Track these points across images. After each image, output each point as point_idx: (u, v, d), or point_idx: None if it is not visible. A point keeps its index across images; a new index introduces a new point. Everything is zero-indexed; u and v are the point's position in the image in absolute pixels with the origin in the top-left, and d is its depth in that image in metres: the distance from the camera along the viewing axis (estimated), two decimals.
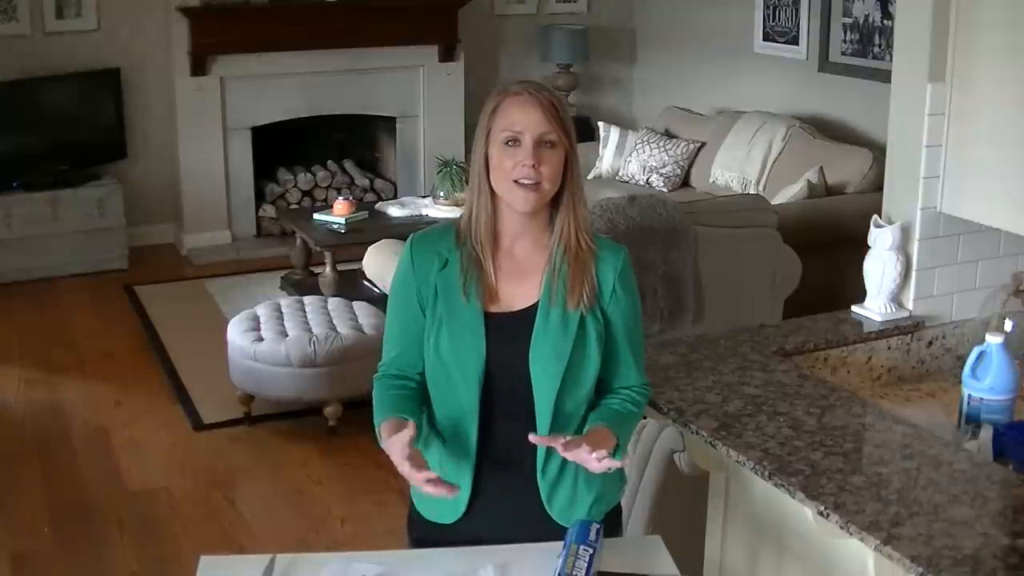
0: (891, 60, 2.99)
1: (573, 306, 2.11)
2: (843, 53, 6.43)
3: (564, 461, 2.14)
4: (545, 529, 2.15)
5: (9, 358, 5.52)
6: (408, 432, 2.01)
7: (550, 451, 2.14)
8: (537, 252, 2.15)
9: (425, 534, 2.25)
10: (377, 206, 6.36)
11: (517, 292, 2.14)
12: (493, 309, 2.13)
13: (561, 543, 2.05)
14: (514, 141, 2.07)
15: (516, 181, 2.06)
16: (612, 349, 2.18)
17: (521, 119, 2.07)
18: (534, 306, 2.13)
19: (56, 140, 6.72)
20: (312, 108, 7.36)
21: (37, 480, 4.38)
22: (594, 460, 1.99)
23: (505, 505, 2.15)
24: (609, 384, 2.21)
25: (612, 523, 2.28)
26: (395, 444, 2.02)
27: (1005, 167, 2.66)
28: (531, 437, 2.05)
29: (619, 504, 2.33)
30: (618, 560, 2.09)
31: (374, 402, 2.21)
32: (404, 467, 2.00)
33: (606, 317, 2.16)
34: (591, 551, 2.00)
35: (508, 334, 2.12)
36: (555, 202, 2.12)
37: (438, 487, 2.01)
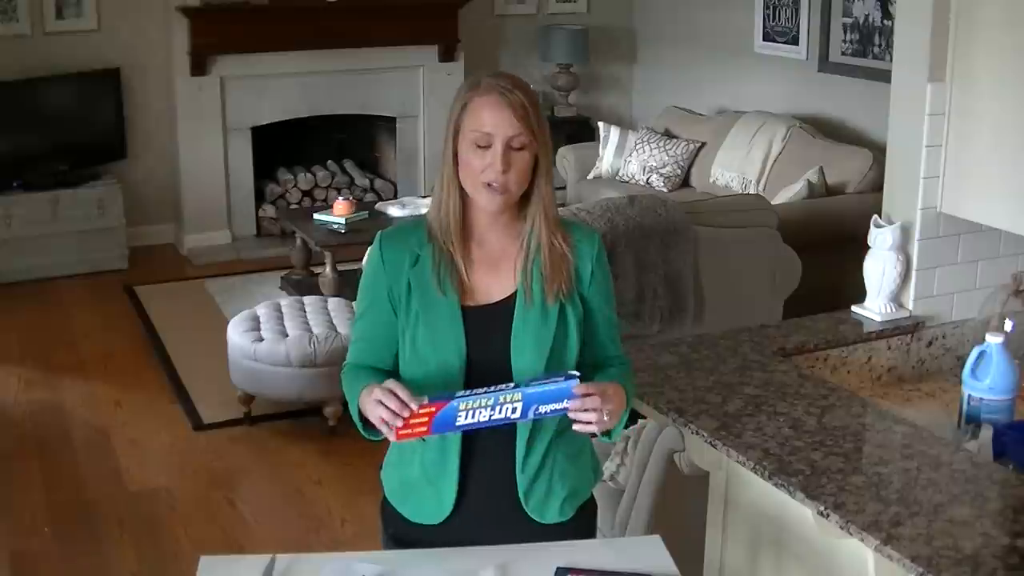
0: (891, 60, 2.99)
1: (552, 299, 2.10)
2: (843, 53, 6.43)
3: (543, 456, 2.14)
4: (521, 526, 2.15)
5: (9, 358, 5.52)
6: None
7: (530, 446, 2.13)
8: (509, 241, 2.14)
9: (403, 533, 2.23)
10: (377, 206, 6.36)
11: (493, 283, 2.13)
12: (470, 303, 2.12)
13: (552, 542, 2.06)
14: (483, 143, 2.04)
15: (484, 183, 2.04)
16: (592, 329, 2.17)
17: (490, 121, 2.02)
18: (511, 297, 2.12)
19: (56, 140, 6.71)
20: (312, 108, 7.36)
21: (37, 480, 4.38)
22: (594, 423, 1.99)
23: (487, 503, 2.15)
24: (592, 362, 2.20)
25: (586, 517, 2.27)
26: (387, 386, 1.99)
27: (1005, 167, 2.66)
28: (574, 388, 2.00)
29: (592, 498, 2.30)
30: (618, 560, 2.09)
31: (346, 384, 2.18)
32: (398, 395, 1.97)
33: (586, 303, 2.15)
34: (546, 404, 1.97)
35: (487, 327, 2.10)
36: (525, 195, 2.10)
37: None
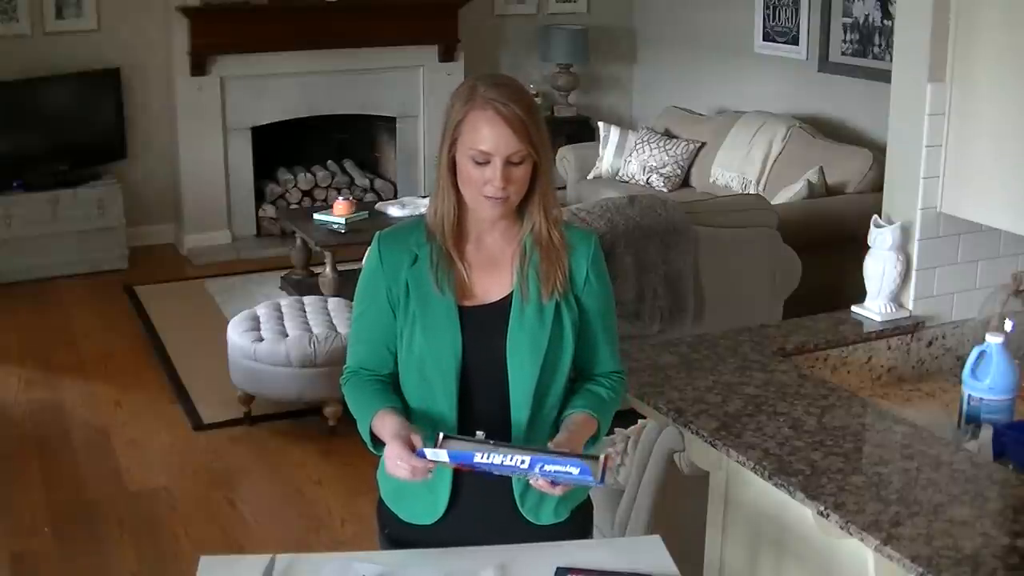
0: (891, 60, 3.00)
1: (547, 297, 2.10)
2: (843, 53, 6.43)
3: None
4: (516, 527, 2.16)
5: (9, 358, 5.52)
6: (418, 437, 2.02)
7: None
8: (507, 243, 2.14)
9: (398, 533, 2.23)
10: (377, 206, 6.36)
11: (490, 284, 2.13)
12: (467, 303, 2.12)
13: (552, 542, 2.05)
14: (482, 159, 2.02)
15: (484, 196, 2.04)
16: (588, 336, 2.17)
17: (489, 138, 2.00)
18: (508, 297, 2.12)
19: (56, 140, 6.71)
20: (312, 108, 7.36)
21: (37, 480, 4.38)
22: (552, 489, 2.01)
23: (482, 505, 2.15)
24: (587, 371, 2.21)
25: (582, 519, 2.28)
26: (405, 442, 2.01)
27: (1005, 167, 2.67)
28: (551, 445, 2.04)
29: (588, 500, 2.31)
30: (618, 560, 2.09)
31: (352, 400, 2.18)
32: (408, 465, 1.99)
33: (580, 305, 2.15)
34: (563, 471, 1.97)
35: (484, 327, 2.10)
36: (525, 199, 2.10)
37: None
